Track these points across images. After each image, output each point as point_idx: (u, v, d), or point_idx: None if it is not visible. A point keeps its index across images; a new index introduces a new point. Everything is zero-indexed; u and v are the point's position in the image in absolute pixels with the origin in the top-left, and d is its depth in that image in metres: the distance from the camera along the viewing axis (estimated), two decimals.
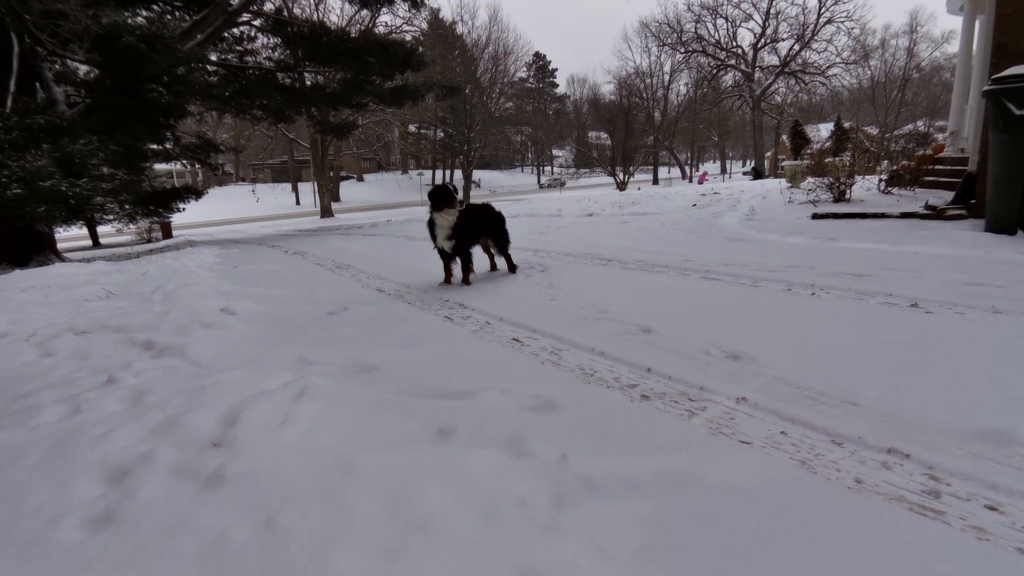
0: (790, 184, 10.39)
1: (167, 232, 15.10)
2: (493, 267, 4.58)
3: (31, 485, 1.40)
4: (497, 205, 4.70)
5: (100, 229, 15.32)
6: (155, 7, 9.65)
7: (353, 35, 10.95)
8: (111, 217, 9.73)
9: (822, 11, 35.93)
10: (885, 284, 3.07)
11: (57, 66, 8.74)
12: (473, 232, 4.19)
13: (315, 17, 21.82)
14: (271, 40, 11.61)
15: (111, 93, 7.06)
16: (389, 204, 33.86)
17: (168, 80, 7.47)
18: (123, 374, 2.16)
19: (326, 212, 25.85)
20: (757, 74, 39.14)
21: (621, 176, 37.46)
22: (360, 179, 51.87)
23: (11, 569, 1.09)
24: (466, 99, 32.32)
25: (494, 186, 51.33)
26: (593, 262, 4.56)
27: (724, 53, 40.00)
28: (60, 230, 9.33)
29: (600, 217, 8.71)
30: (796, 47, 37.59)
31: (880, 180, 7.52)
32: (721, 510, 1.20)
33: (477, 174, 44.29)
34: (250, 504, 1.25)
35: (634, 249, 5.06)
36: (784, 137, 30.27)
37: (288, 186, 42.96)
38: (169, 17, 9.44)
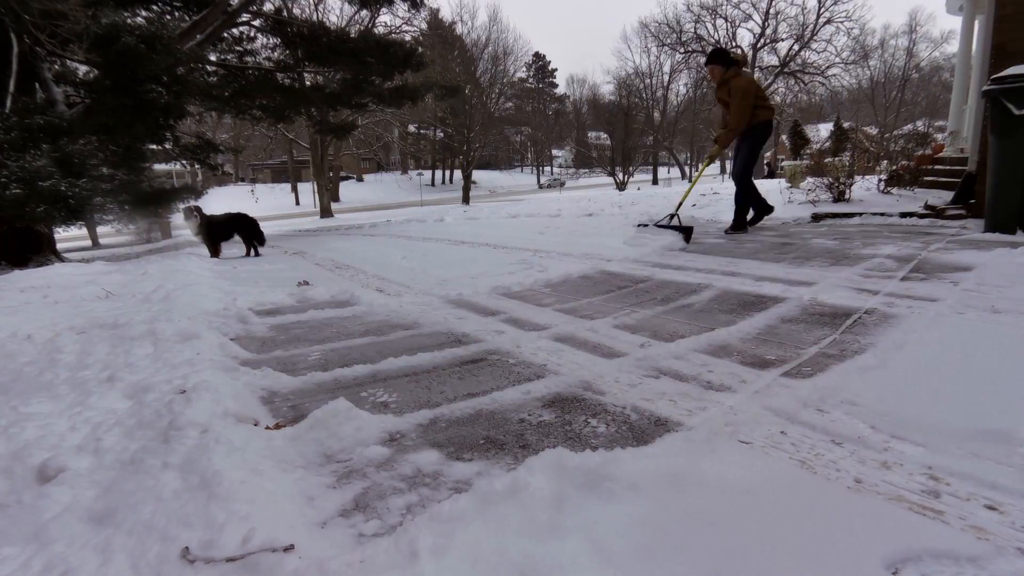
0: (789, 184, 10.40)
1: (166, 232, 15.10)
2: (248, 253, 6.91)
3: (31, 484, 1.40)
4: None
5: (99, 229, 15.31)
6: (155, 7, 9.65)
7: (352, 35, 10.95)
8: (111, 217, 9.73)
9: (821, 11, 35.94)
10: (885, 284, 3.07)
11: (57, 66, 8.73)
12: (224, 230, 6.87)
13: (315, 17, 21.82)
14: (271, 40, 11.61)
15: (111, 93, 7.05)
16: (389, 204, 33.84)
17: (167, 80, 7.46)
18: (124, 373, 2.16)
19: (326, 212, 25.86)
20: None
21: (621, 176, 37.46)
22: (360, 179, 51.88)
23: (14, 568, 1.09)
24: (466, 99, 32.33)
25: (494, 186, 51.32)
26: (593, 261, 4.56)
27: None
28: (59, 230, 9.32)
29: (600, 217, 8.72)
30: (795, 47, 37.59)
31: (879, 180, 7.53)
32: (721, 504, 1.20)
33: (476, 174, 44.23)
34: None
35: (634, 250, 5.07)
36: (783, 137, 30.28)
37: (288, 186, 42.96)
38: (169, 17, 9.44)
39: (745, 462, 1.37)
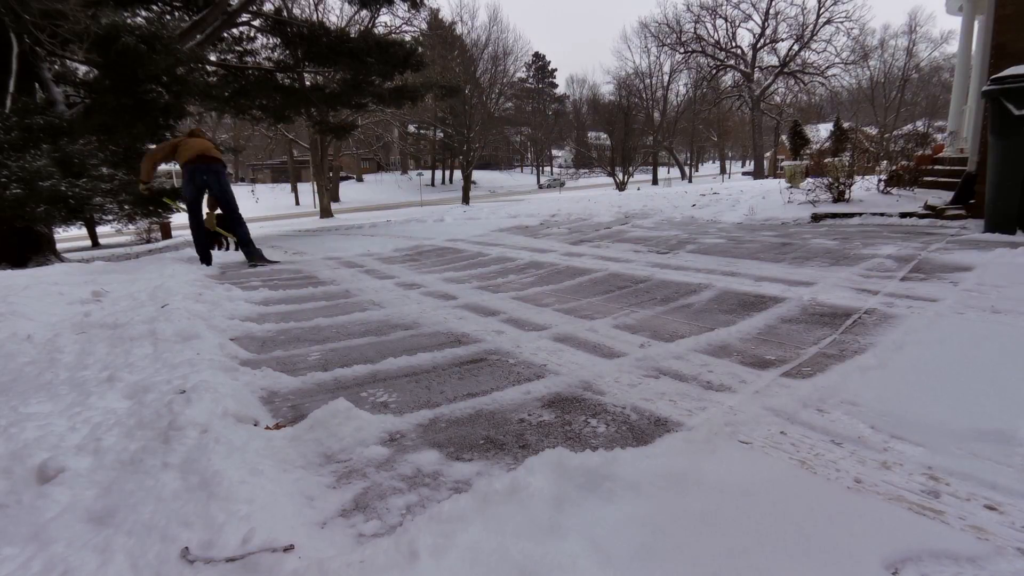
0: (789, 184, 10.40)
1: (166, 233, 15.10)
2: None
3: (31, 484, 1.40)
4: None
5: (99, 230, 15.29)
6: (155, 7, 9.63)
7: (352, 35, 10.93)
8: (110, 217, 9.73)
9: (821, 11, 35.98)
10: (884, 284, 3.07)
11: (56, 66, 8.72)
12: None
13: (315, 17, 21.79)
14: (270, 40, 11.59)
15: (110, 93, 7.05)
16: (389, 204, 33.81)
17: (167, 80, 7.45)
18: (124, 373, 2.16)
19: (326, 212, 25.84)
20: (756, 74, 39.16)
21: (621, 176, 37.44)
22: (360, 179, 51.82)
23: (14, 568, 1.09)
24: (465, 99, 32.28)
25: (494, 186, 51.31)
26: (593, 259, 4.56)
27: (723, 53, 40.02)
28: (59, 230, 9.31)
29: (599, 217, 8.71)
30: (795, 47, 37.62)
31: (879, 180, 7.52)
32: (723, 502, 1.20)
33: (475, 175, 44.23)
34: None
35: (633, 251, 5.07)
36: (783, 137, 30.28)
37: (288, 186, 42.92)
38: (169, 17, 9.42)
39: (745, 462, 1.37)
